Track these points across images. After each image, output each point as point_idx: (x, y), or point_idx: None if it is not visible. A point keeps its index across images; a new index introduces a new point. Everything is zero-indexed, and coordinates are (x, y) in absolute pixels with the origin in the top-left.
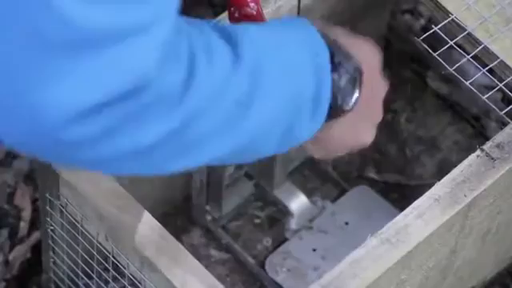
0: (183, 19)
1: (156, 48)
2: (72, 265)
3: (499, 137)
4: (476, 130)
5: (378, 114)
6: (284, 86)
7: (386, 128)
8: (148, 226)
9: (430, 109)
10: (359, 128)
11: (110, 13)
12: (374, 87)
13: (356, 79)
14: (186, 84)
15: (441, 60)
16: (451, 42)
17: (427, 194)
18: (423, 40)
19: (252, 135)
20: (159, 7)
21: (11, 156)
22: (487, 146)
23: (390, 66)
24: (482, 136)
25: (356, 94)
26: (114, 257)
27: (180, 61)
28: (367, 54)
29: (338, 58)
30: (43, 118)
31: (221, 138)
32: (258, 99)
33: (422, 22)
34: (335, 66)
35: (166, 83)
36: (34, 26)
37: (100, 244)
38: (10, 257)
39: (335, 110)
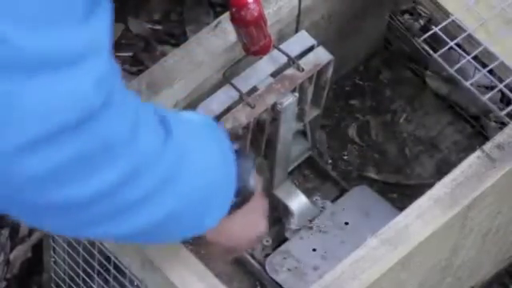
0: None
1: (92, 78)
2: (73, 264)
3: (499, 137)
4: (475, 129)
5: (263, 208)
6: (202, 174)
7: (386, 128)
8: None
9: (429, 109)
10: (253, 219)
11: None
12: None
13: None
14: (132, 134)
15: (441, 61)
16: (451, 43)
17: (427, 194)
18: (423, 40)
19: (168, 213)
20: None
21: None
22: (487, 146)
23: (390, 66)
24: (482, 136)
25: (252, 176)
26: (115, 257)
27: (126, 109)
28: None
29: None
30: None
31: (142, 209)
32: (180, 181)
33: (422, 22)
34: (236, 152)
35: (113, 125)
36: None
37: (101, 244)
38: (11, 256)
39: (244, 192)
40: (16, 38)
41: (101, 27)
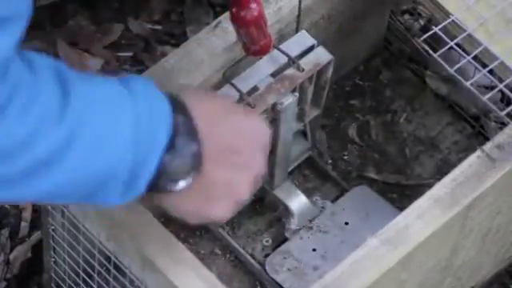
0: (22, 56)
1: None
2: (73, 264)
3: (499, 137)
4: (475, 129)
5: (240, 192)
6: (98, 155)
7: (386, 128)
8: (149, 226)
9: (429, 109)
10: (211, 204)
11: None
12: (240, 167)
13: (193, 164)
14: None
15: (441, 61)
16: (451, 43)
17: (427, 194)
18: (423, 40)
19: (53, 189)
20: None
21: None
22: (487, 146)
23: (390, 66)
24: (482, 136)
25: (188, 180)
26: (115, 257)
27: None
28: (247, 133)
29: (178, 140)
30: None
31: (17, 184)
32: (68, 159)
33: (422, 22)
34: (171, 148)
35: None
36: None
37: (101, 244)
38: (11, 256)
39: (158, 189)
40: None
41: None
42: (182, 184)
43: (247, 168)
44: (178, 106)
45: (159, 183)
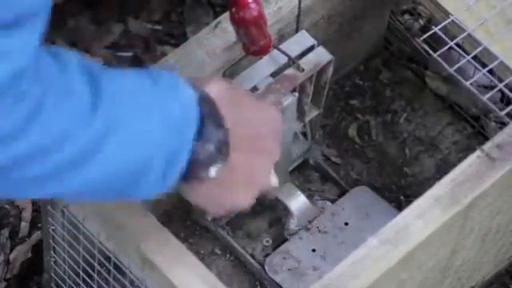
0: (49, 52)
1: None
2: (73, 264)
3: (499, 137)
4: (475, 129)
5: (261, 178)
6: (132, 149)
7: (386, 128)
8: (149, 226)
9: (429, 109)
10: (234, 192)
11: None
12: (261, 153)
13: (221, 150)
14: (24, 123)
15: (441, 61)
16: (451, 43)
17: (427, 194)
18: (423, 40)
19: (87, 184)
20: None
21: None
22: (487, 146)
23: (390, 66)
24: (482, 136)
25: (218, 165)
26: (115, 256)
27: (21, 101)
28: (266, 120)
29: (206, 128)
30: None
31: (54, 181)
32: (103, 154)
33: (422, 22)
34: (200, 136)
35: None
36: None
37: (101, 244)
38: (11, 256)
39: (191, 177)
40: None
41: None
42: (212, 172)
43: (266, 154)
44: (203, 97)
45: (191, 172)
